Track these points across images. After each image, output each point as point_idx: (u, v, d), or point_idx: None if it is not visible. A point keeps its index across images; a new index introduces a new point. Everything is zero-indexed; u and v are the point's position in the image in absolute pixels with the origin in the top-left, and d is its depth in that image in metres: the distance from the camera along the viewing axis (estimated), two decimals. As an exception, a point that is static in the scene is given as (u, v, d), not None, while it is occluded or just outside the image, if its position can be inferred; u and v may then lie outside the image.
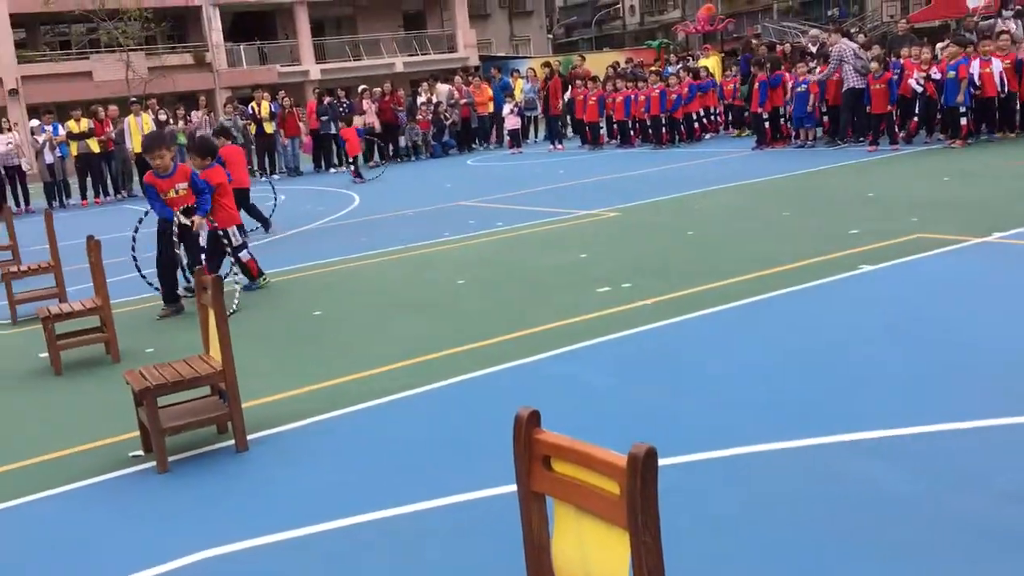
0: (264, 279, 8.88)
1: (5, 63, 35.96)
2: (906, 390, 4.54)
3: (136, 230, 8.76)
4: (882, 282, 6.70)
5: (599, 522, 1.98)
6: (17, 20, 36.61)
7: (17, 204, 19.46)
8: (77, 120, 19.98)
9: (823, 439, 4.04)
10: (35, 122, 20.84)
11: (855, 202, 10.05)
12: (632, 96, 19.64)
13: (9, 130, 20.11)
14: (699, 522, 3.42)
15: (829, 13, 50.46)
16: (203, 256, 7.87)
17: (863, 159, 13.77)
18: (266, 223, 12.40)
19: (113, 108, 20.83)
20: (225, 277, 8.22)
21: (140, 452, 4.73)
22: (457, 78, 24.65)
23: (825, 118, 16.19)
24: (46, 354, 6.69)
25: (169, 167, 7.83)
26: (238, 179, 11.70)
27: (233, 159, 11.35)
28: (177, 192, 7.83)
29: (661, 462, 1.85)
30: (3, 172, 19.33)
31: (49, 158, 19.76)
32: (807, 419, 4.28)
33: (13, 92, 35.57)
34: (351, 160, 18.93)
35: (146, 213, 8.68)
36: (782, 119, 16.70)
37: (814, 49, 18.03)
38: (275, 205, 13.16)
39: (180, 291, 8.23)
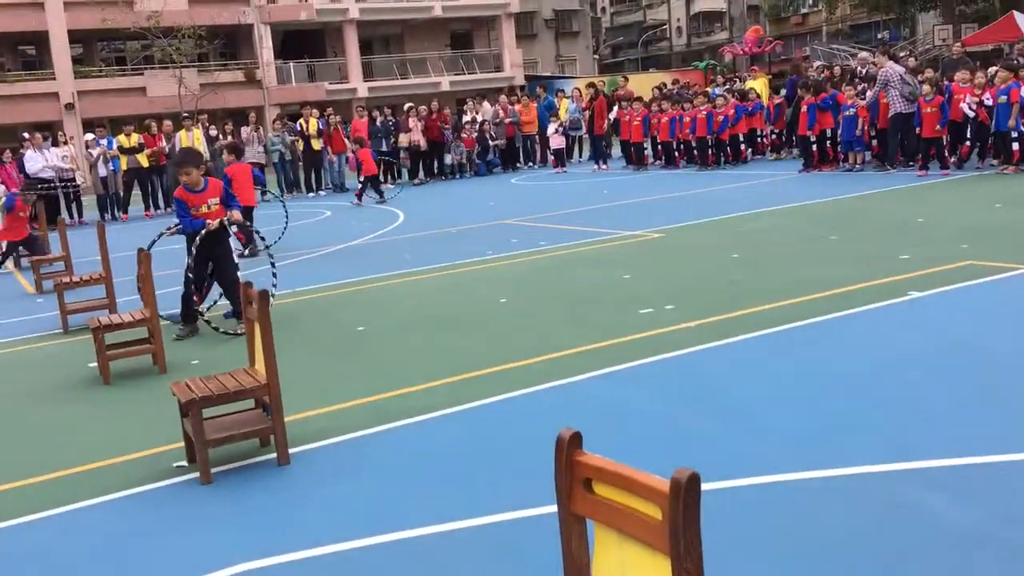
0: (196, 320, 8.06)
1: (62, 78, 36.89)
2: (958, 419, 4.46)
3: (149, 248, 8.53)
4: (932, 309, 6.60)
5: (640, 547, 1.96)
6: (75, 36, 37.55)
7: (71, 216, 19.87)
8: (128, 135, 20.38)
9: (873, 467, 3.97)
10: (90, 136, 21.31)
11: (904, 227, 9.92)
12: (677, 117, 19.61)
13: (65, 143, 20.59)
14: (742, 549, 3.38)
15: (879, 36, 50.09)
16: (221, 271, 7.94)
17: (913, 184, 13.58)
18: (252, 248, 12.26)
19: (168, 123, 21.21)
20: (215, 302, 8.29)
21: (184, 463, 4.79)
22: (503, 97, 24.81)
23: (874, 142, 16.01)
24: (95, 363, 6.81)
25: (199, 183, 7.83)
26: (244, 198, 11.62)
27: (240, 177, 11.23)
28: (209, 207, 7.81)
29: (703, 487, 1.83)
30: (57, 185, 19.76)
31: (103, 171, 20.18)
32: (856, 446, 4.22)
33: (69, 106, 36.45)
34: (363, 181, 18.88)
35: (159, 236, 8.67)
36: (828, 142, 16.55)
37: (863, 72, 17.86)
38: (285, 227, 13.15)
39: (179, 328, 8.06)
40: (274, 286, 8.29)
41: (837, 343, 5.98)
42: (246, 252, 12.12)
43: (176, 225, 8.13)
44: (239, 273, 8.19)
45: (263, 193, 15.94)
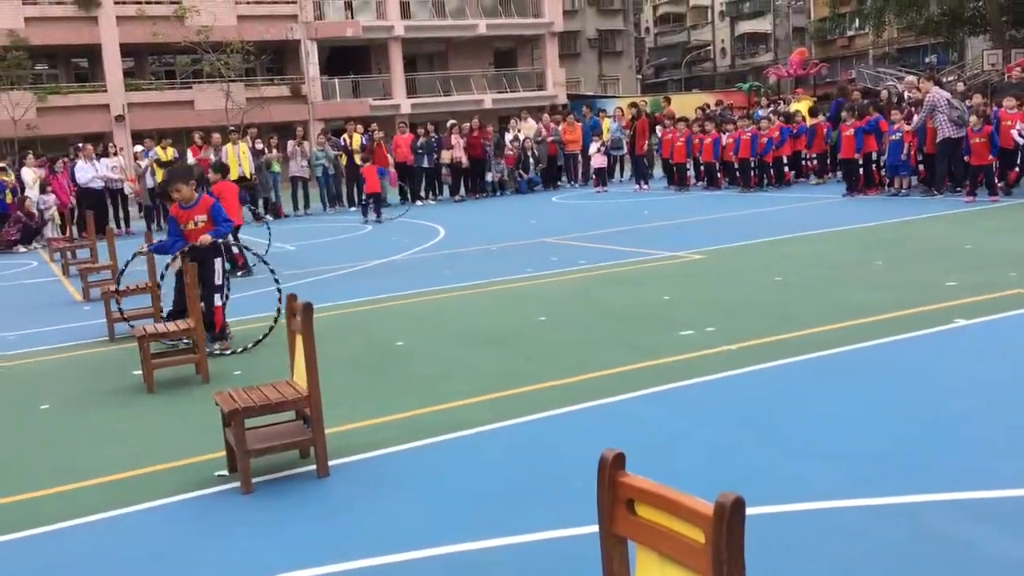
0: (226, 341, 7.85)
1: (113, 90, 37.66)
2: (1002, 450, 4.37)
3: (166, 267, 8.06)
4: (978, 337, 6.49)
5: (682, 570, 1.95)
6: (126, 50, 38.35)
7: (118, 226, 20.21)
8: (164, 149, 20.65)
9: (917, 497, 3.91)
10: (139, 147, 21.71)
11: (951, 253, 9.78)
12: (721, 138, 19.53)
13: (115, 154, 20.99)
14: (781, 576, 3.34)
15: (927, 60, 49.52)
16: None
17: (960, 209, 13.39)
18: (246, 270, 12.12)
19: (216, 136, 21.47)
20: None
21: (225, 472, 4.84)
22: (545, 116, 24.86)
23: (921, 166, 15.81)
24: (140, 371, 6.91)
25: (191, 198, 7.73)
26: (230, 216, 11.18)
27: (226, 195, 10.83)
28: (196, 224, 7.65)
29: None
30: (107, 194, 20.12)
31: (150, 182, 20.52)
32: (898, 475, 4.15)
33: (119, 118, 37.17)
34: (367, 198, 18.80)
35: (133, 256, 8.62)
36: (873, 165, 16.38)
37: (908, 95, 17.68)
38: (267, 248, 12.73)
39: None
40: (279, 300, 7.62)
41: (881, 369, 5.90)
42: (239, 274, 11.90)
43: (149, 245, 7.90)
44: (227, 297, 7.96)
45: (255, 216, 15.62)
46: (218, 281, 7.81)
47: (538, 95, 44.57)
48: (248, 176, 20.74)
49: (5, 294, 12.87)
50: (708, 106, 25.46)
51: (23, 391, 7.10)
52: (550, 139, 23.43)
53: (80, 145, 21.24)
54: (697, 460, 4.55)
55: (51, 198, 19.65)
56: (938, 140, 14.72)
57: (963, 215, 12.89)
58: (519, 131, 23.66)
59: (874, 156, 16.33)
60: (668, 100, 25.73)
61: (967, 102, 14.87)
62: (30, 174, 19.69)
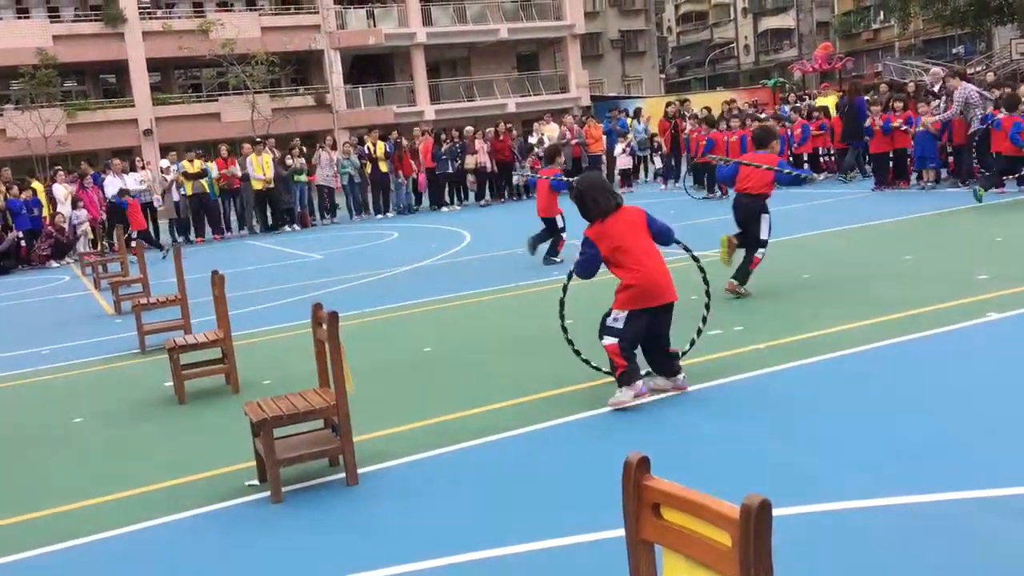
0: None
1: (141, 105, 38.10)
2: (1038, 446, 4.30)
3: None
4: (1011, 330, 6.39)
5: (710, 574, 1.93)
6: (153, 64, 38.78)
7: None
8: (191, 161, 20.87)
9: (950, 495, 3.85)
10: (165, 162, 21.96)
11: (982, 246, 9.65)
12: (748, 136, 19.41)
13: (143, 168, 21.23)
14: (813, 577, 3.31)
15: (954, 51, 48.96)
16: None
17: (990, 201, 13.20)
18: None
19: (247, 146, 21.56)
20: None
21: (256, 481, 4.87)
22: (569, 117, 24.83)
23: (950, 158, 15.62)
24: (171, 383, 6.97)
25: None
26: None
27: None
28: None
29: (774, 512, 1.80)
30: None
31: (176, 195, 20.75)
32: (932, 473, 4.10)
33: (148, 132, 37.60)
34: (136, 235, 17.47)
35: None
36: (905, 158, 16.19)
37: (936, 88, 17.48)
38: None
39: None
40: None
41: (912, 365, 5.83)
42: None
43: None
44: None
45: None
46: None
47: (561, 97, 44.53)
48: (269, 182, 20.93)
49: (39, 309, 13.05)
50: (728, 104, 25.24)
51: (57, 405, 7.19)
52: (574, 141, 23.38)
53: (110, 162, 21.50)
54: (726, 461, 4.52)
55: (83, 213, 19.91)
56: (970, 132, 14.56)
57: (993, 207, 12.70)
58: (543, 134, 23.65)
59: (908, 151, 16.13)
60: (680, 103, 25.48)
61: (994, 93, 14.71)
62: (62, 190, 19.96)
